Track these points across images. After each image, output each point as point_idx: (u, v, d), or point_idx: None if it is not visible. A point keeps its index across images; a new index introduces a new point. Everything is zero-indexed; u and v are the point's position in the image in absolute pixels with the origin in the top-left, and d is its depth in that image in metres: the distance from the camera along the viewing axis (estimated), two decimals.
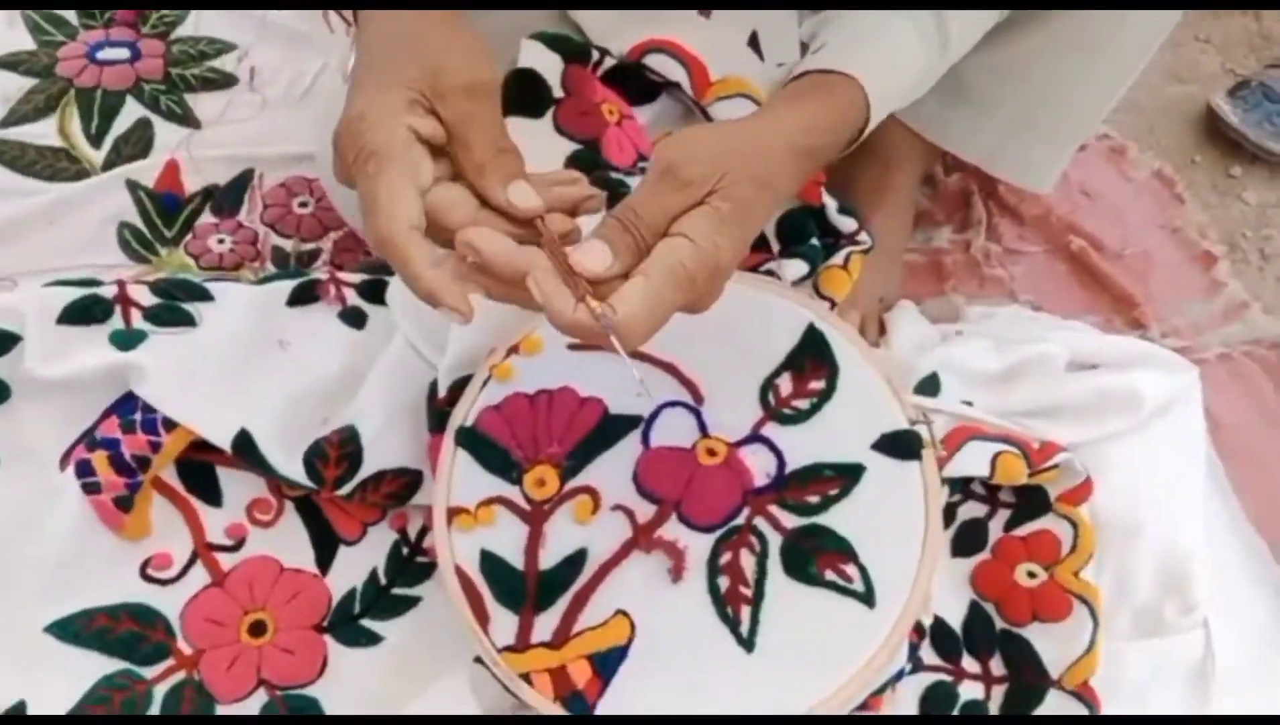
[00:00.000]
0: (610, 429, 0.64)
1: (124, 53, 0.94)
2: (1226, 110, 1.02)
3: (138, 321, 0.68)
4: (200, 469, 0.67)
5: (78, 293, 0.68)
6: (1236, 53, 1.11)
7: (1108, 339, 0.84)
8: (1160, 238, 0.95)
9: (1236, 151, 1.02)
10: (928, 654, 0.69)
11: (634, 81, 0.76)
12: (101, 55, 0.94)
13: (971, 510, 0.74)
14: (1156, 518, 0.73)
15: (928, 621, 0.69)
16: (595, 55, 0.75)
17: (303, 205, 0.88)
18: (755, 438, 0.64)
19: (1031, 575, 0.71)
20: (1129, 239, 0.94)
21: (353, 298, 0.75)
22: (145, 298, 0.70)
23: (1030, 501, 0.73)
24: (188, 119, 0.92)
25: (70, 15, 0.96)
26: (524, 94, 0.72)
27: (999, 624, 0.70)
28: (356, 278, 0.76)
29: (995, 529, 0.74)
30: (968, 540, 0.73)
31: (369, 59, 0.52)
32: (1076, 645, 0.68)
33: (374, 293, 0.74)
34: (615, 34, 0.74)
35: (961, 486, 0.73)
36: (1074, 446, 0.74)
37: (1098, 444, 0.75)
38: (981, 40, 0.69)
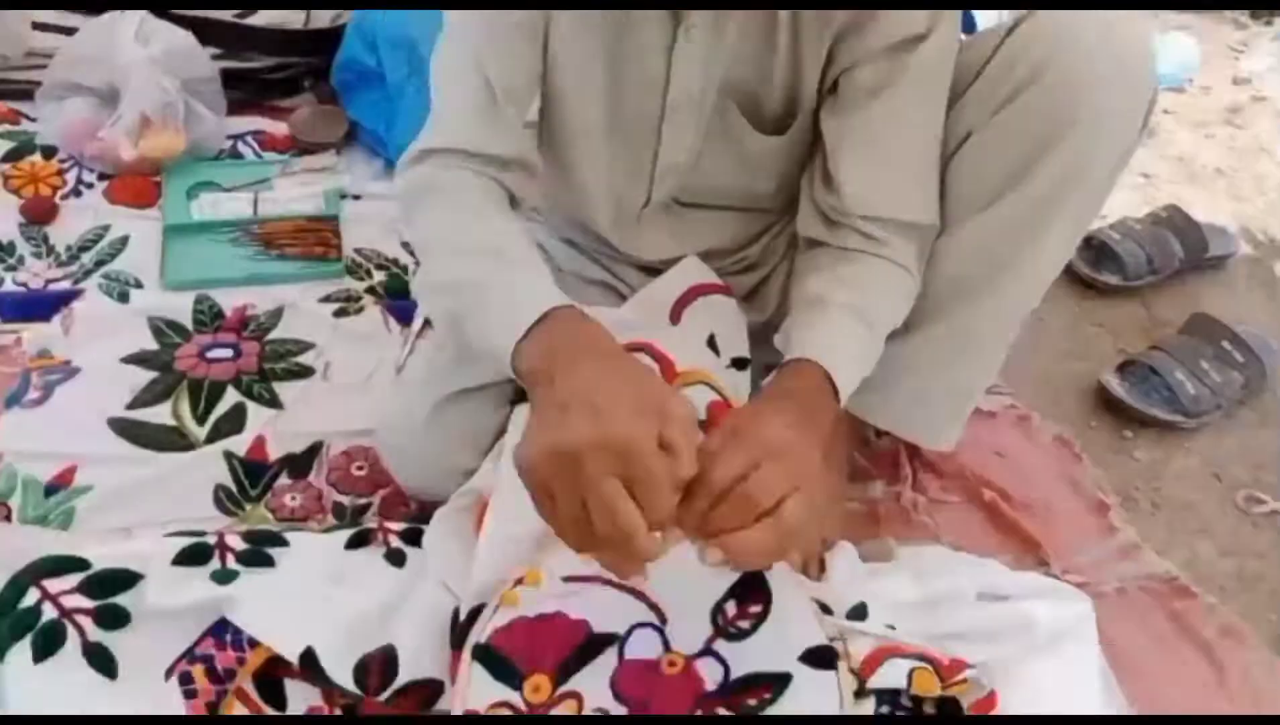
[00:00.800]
0: (593, 645, 0.82)
1: (228, 352, 1.21)
2: (1114, 385, 1.24)
3: (231, 563, 0.89)
4: (272, 683, 0.84)
5: (188, 541, 0.89)
6: (1127, 335, 1.35)
7: (1014, 575, 1.01)
8: (1062, 490, 1.14)
9: (1129, 417, 1.23)
10: None
11: None
12: (211, 354, 1.20)
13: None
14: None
15: None
16: None
17: (359, 468, 1.10)
18: (707, 651, 0.82)
19: None
20: (1034, 491, 1.13)
21: (395, 542, 0.95)
22: (238, 544, 0.91)
23: (947, 713, 0.88)
24: (275, 402, 1.16)
25: (186, 320, 1.24)
26: None
27: None
28: (400, 526, 0.96)
29: None
30: None
31: (599, 405, 0.67)
32: None
33: (413, 538, 0.95)
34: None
35: (891, 698, 0.89)
36: (982, 664, 0.90)
37: (1003, 662, 0.91)
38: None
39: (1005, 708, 0.88)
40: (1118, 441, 1.21)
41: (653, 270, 1.06)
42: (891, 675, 0.85)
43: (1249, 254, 1.50)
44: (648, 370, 0.74)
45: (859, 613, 0.92)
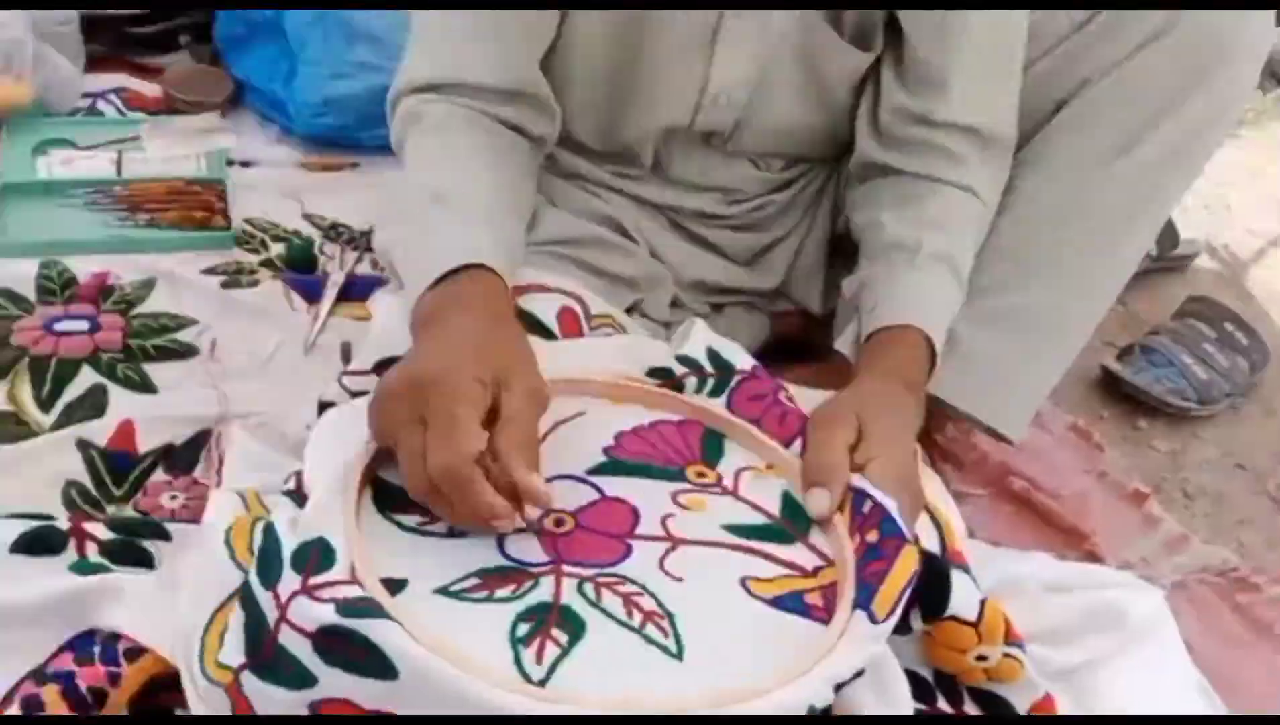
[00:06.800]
0: None
1: (83, 325, 0.95)
2: (1122, 370, 1.13)
3: (94, 555, 0.64)
4: (155, 715, 0.59)
5: (31, 523, 0.64)
6: (1109, 331, 1.25)
7: (1074, 566, 0.86)
8: (1089, 481, 1.01)
9: (1138, 406, 1.12)
10: None
11: None
12: (60, 327, 0.94)
13: None
14: None
15: None
16: None
17: None
18: None
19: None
20: (1061, 481, 0.99)
21: None
22: (101, 533, 0.66)
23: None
24: (146, 386, 0.91)
25: (29, 291, 0.97)
26: None
27: None
28: None
29: None
30: None
31: (447, 346, 0.63)
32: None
33: None
34: None
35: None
36: (1062, 673, 0.74)
37: (1090, 668, 0.76)
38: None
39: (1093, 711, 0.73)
40: (1133, 432, 1.10)
41: (659, 207, 0.93)
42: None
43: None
44: (519, 336, 0.69)
45: None
